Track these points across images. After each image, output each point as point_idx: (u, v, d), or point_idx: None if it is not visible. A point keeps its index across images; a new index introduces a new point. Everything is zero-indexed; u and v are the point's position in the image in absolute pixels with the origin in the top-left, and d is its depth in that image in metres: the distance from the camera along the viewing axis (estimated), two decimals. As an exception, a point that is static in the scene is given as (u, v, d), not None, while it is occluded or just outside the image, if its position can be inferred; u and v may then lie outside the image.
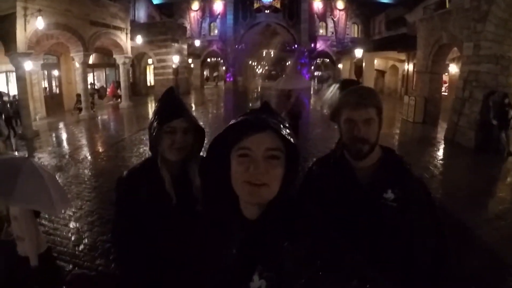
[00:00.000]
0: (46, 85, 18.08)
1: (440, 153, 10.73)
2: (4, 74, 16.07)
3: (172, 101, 1.82)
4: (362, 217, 1.62)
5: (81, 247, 4.82)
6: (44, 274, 3.32)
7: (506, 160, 9.43)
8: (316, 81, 41.20)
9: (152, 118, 1.80)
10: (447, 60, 15.73)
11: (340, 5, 36.98)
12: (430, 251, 1.66)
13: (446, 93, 18.25)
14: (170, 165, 1.80)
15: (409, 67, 21.42)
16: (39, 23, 12.69)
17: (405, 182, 1.66)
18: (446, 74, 18.53)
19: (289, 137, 0.99)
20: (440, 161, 9.77)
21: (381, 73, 26.61)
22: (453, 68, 18.18)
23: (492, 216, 5.98)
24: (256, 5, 37.47)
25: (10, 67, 13.32)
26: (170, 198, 1.77)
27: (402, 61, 23.28)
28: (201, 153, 1.89)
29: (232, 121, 1.02)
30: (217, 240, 1.08)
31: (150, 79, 29.42)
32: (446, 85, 19.20)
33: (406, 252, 1.61)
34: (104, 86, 24.20)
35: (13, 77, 13.71)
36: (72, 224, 5.51)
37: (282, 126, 1.00)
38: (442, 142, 11.93)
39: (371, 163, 1.70)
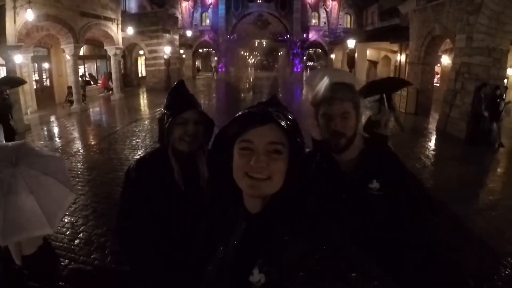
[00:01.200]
0: (37, 78, 17.79)
1: (432, 144, 10.84)
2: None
3: (183, 94, 1.88)
4: (350, 209, 1.65)
5: (77, 241, 4.82)
6: (39, 270, 3.31)
7: (497, 151, 9.58)
8: (308, 72, 41.16)
9: (163, 110, 1.84)
10: (439, 52, 15.80)
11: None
12: (419, 238, 1.68)
13: (438, 84, 18.35)
14: (180, 155, 1.84)
15: (402, 58, 21.46)
16: (29, 15, 12.47)
17: (389, 171, 1.70)
18: (439, 65, 18.62)
19: (293, 131, 0.98)
20: (432, 152, 9.87)
21: (373, 63, 26.63)
22: (446, 60, 18.26)
23: (483, 207, 6.08)
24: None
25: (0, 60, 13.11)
26: (178, 187, 1.82)
27: (395, 52, 23.30)
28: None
29: (237, 114, 1.02)
30: (220, 232, 1.09)
31: (142, 70, 29.15)
32: (438, 76, 19.29)
33: (396, 239, 1.64)
34: (93, 74, 23.86)
35: (2, 70, 13.46)
36: (66, 219, 5.48)
37: (286, 120, 0.99)
38: (434, 133, 12.05)
39: (354, 155, 1.74)
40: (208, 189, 1.81)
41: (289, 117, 1.02)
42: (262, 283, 0.93)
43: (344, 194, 1.69)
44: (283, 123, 0.97)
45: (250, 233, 1.00)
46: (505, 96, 10.27)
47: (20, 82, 11.54)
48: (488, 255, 4.52)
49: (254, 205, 1.02)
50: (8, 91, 10.43)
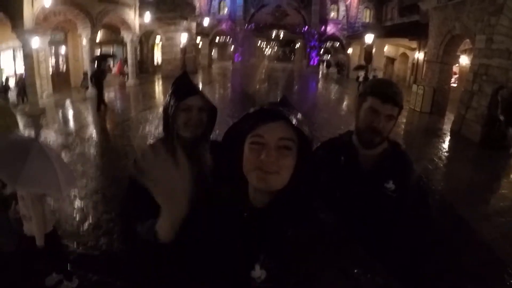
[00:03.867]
0: (53, 62, 17.98)
1: (445, 145, 10.69)
2: (11, 51, 15.98)
3: (187, 82, 1.92)
4: (361, 203, 1.69)
5: (85, 226, 4.92)
6: (49, 254, 3.42)
7: (511, 157, 9.38)
8: (324, 66, 40.81)
9: (168, 98, 1.88)
10: (458, 51, 15.47)
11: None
12: (419, 245, 1.73)
13: (455, 85, 18.03)
14: (184, 142, 1.87)
15: (420, 55, 21.11)
16: None
17: (406, 175, 1.73)
18: (457, 65, 18.25)
19: (302, 128, 1.01)
20: (445, 153, 9.76)
21: (391, 60, 26.30)
22: (464, 60, 17.90)
23: (492, 213, 6.00)
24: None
25: (16, 43, 13.25)
26: None
27: (413, 49, 22.94)
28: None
29: (249, 111, 1.04)
30: (224, 226, 1.10)
31: (158, 57, 29.23)
32: (456, 76, 18.94)
33: (397, 241, 1.68)
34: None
35: (19, 53, 13.64)
36: (76, 203, 5.60)
37: (296, 117, 1.02)
38: (448, 134, 11.88)
39: (376, 152, 1.77)
40: (211, 177, 1.84)
41: (299, 115, 1.05)
42: (262, 279, 0.95)
43: (358, 186, 1.72)
44: (293, 121, 0.99)
45: (254, 228, 1.02)
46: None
47: (112, 56, 19.18)
48: (492, 260, 4.47)
49: (260, 200, 1.05)
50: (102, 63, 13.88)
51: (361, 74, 16.59)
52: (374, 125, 1.69)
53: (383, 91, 1.70)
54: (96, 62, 14.67)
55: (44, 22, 13.80)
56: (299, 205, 1.03)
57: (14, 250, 3.44)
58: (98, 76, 13.58)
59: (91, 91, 16.47)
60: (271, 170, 0.98)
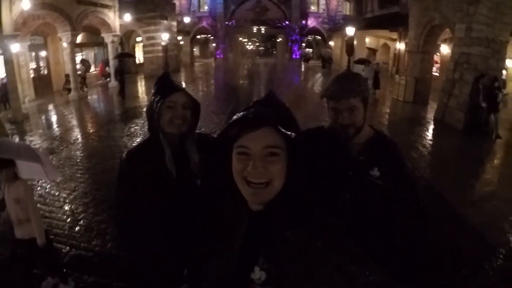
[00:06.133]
0: (34, 67, 17.64)
1: (429, 133, 10.88)
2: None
3: (169, 80, 1.96)
4: (347, 190, 1.76)
5: (77, 228, 4.89)
6: (43, 257, 3.39)
7: (494, 142, 9.60)
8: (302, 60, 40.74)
9: (152, 97, 1.91)
10: (438, 41, 15.73)
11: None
12: (409, 229, 1.77)
13: (437, 74, 18.32)
14: (170, 140, 1.91)
15: (401, 46, 21.36)
16: (25, 3, 12.34)
17: (391, 162, 1.78)
18: (438, 54, 18.54)
19: (289, 133, 0.97)
20: (429, 141, 9.93)
21: (372, 51, 26.49)
22: (445, 49, 18.18)
23: (478, 198, 6.14)
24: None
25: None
26: (169, 172, 1.89)
27: (394, 40, 23.19)
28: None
29: (234, 117, 1.03)
30: (220, 230, 1.09)
31: (139, 57, 28.93)
32: (438, 65, 19.25)
33: (387, 228, 1.72)
34: (91, 61, 23.66)
35: (0, 59, 13.36)
36: (67, 206, 5.55)
37: (282, 121, 0.98)
38: (432, 122, 12.07)
39: (361, 141, 1.82)
40: (198, 173, 1.88)
41: (286, 116, 1.02)
42: (262, 280, 0.95)
43: (344, 173, 1.77)
44: (278, 126, 0.96)
45: (253, 231, 1.01)
46: (504, 88, 10.28)
47: (131, 55, 23.56)
48: (481, 245, 4.59)
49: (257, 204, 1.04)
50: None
51: (363, 68, 16.29)
52: (339, 121, 1.76)
53: (334, 91, 1.78)
54: (118, 59, 18.85)
55: (23, 26, 13.54)
56: (296, 205, 1.01)
57: (8, 257, 3.41)
58: (121, 71, 17.21)
59: (113, 83, 18.48)
60: (261, 181, 0.96)
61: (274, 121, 0.96)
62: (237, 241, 1.02)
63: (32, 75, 16.71)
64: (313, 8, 37.81)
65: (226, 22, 37.37)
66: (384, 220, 1.72)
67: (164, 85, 1.92)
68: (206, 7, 37.96)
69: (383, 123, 11.60)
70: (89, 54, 23.64)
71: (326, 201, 1.18)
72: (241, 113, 1.02)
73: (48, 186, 6.22)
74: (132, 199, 1.92)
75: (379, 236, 1.67)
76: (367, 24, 25.34)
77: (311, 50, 43.88)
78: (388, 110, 14.14)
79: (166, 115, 1.85)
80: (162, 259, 1.92)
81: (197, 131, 2.06)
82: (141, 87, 21.85)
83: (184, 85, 21.00)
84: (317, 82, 23.82)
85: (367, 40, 26.21)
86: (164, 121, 1.86)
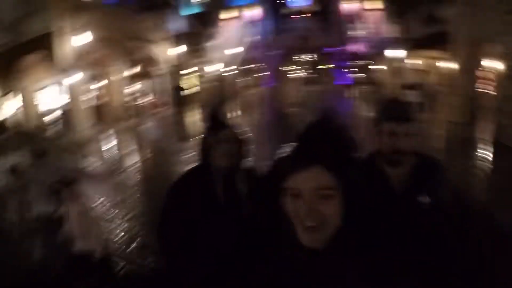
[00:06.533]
0: (92, 96, 19.00)
1: (486, 155, 10.22)
2: (52, 86, 17.07)
3: (219, 115, 2.17)
4: (397, 222, 1.61)
5: (133, 245, 5.17)
6: (101, 268, 3.63)
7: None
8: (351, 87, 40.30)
9: (204, 131, 2.13)
10: (487, 56, 15.07)
11: (376, 4, 36.21)
12: (463, 258, 1.72)
13: (493, 92, 17.43)
14: (220, 172, 2.05)
15: (450, 65, 20.67)
16: (82, 39, 13.74)
17: (440, 187, 1.73)
18: (493, 71, 17.72)
19: (343, 172, 0.90)
20: (487, 164, 9.37)
21: (422, 72, 25.81)
22: (495, 65, 17.36)
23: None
24: (289, 10, 37.71)
25: (58, 79, 14.23)
26: (218, 201, 2.02)
27: (443, 59, 22.52)
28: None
29: (277, 158, 1.06)
30: (275, 268, 1.00)
31: (193, 87, 30.15)
32: (494, 83, 18.34)
33: (438, 257, 1.64)
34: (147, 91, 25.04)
35: (61, 89, 14.68)
36: (125, 225, 5.90)
37: (334, 157, 0.90)
38: (489, 143, 11.38)
39: (405, 170, 1.75)
40: (246, 204, 1.99)
41: (340, 149, 0.94)
42: None
43: (391, 207, 1.65)
44: (330, 165, 0.89)
45: (311, 270, 0.93)
46: None
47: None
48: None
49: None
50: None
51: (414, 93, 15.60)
52: (396, 147, 1.70)
53: (396, 113, 1.73)
54: (176, 90, 22.21)
55: (79, 60, 14.74)
56: (356, 243, 0.93)
57: (61, 272, 3.59)
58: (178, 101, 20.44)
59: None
60: (315, 223, 0.88)
61: (324, 159, 0.90)
62: (292, 281, 0.94)
63: (89, 105, 17.95)
64: (357, 32, 37.64)
65: (272, 51, 38.10)
66: (436, 247, 1.64)
67: (214, 120, 2.12)
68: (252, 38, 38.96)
69: (436, 146, 11.13)
70: (144, 85, 25.03)
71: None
72: (288, 152, 0.97)
73: (108, 205, 6.67)
74: (179, 224, 2.04)
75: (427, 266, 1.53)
76: (414, 45, 24.88)
77: (364, 75, 43.40)
78: (441, 132, 13.57)
79: (216, 150, 2.01)
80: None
81: (248, 160, 2.18)
82: (195, 116, 22.68)
83: (234, 114, 21.55)
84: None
85: (414, 61, 25.65)
86: (215, 155, 2.02)
